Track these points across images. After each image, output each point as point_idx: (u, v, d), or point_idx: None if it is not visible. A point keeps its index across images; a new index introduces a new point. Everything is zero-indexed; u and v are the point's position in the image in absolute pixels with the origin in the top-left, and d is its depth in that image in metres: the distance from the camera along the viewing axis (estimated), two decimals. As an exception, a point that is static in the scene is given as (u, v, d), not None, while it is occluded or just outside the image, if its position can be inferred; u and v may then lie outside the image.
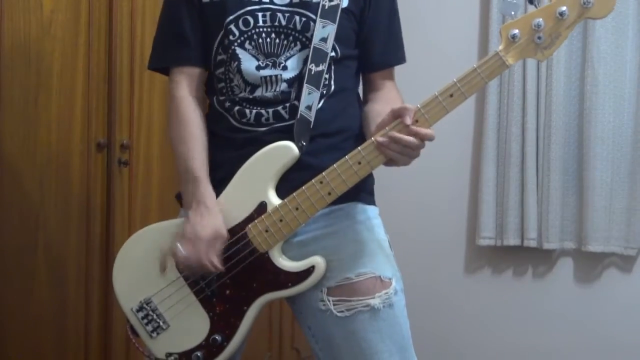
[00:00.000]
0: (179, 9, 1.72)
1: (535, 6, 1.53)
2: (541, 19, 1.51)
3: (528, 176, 3.13)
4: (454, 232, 3.40)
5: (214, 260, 1.60)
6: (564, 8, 1.50)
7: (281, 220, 1.60)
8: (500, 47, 1.53)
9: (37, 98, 2.30)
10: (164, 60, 1.76)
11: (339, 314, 1.62)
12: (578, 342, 3.16)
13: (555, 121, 3.09)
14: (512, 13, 1.53)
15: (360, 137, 1.71)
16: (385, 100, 1.72)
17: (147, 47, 2.56)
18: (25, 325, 2.28)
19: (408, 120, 1.51)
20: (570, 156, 3.13)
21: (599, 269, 3.15)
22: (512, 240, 3.18)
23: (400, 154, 1.53)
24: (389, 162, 1.57)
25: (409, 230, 3.36)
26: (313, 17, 1.64)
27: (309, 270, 1.61)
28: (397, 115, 1.53)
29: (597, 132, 3.02)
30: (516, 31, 1.52)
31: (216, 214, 1.62)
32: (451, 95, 1.52)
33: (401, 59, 1.80)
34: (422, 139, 1.52)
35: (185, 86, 1.72)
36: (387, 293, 1.63)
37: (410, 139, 1.51)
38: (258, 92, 1.65)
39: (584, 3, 1.49)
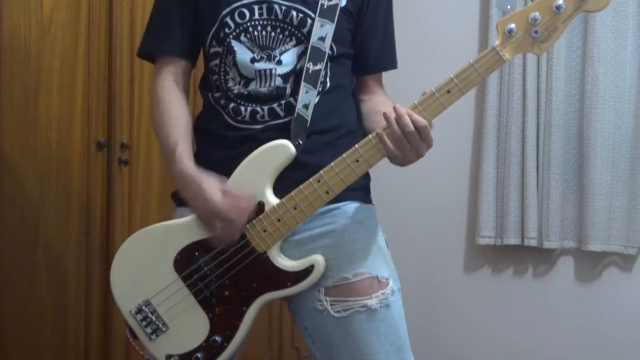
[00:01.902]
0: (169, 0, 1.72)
1: (532, 0, 1.52)
2: (538, 13, 1.50)
3: (528, 175, 3.13)
4: (454, 231, 3.40)
5: (243, 205, 1.56)
6: (560, 2, 1.50)
7: (279, 220, 1.59)
8: (497, 42, 1.52)
9: (37, 97, 2.30)
10: (150, 49, 1.76)
11: (335, 314, 1.61)
12: (578, 341, 3.16)
13: (556, 120, 3.09)
14: (509, 7, 1.52)
15: (356, 133, 1.71)
16: (382, 103, 1.73)
17: (147, 46, 2.57)
18: (25, 324, 2.28)
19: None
20: (570, 155, 3.13)
21: (599, 268, 3.15)
22: (512, 239, 3.18)
23: (398, 145, 1.52)
24: (391, 158, 1.56)
25: (409, 229, 3.36)
26: (310, 13, 1.64)
27: (308, 270, 1.60)
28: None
29: (597, 131, 3.02)
30: (512, 25, 1.51)
31: (205, 178, 1.58)
32: (448, 92, 1.52)
33: (394, 64, 1.80)
34: (415, 124, 1.50)
35: (167, 75, 1.72)
36: (384, 293, 1.62)
37: (407, 119, 1.49)
38: (252, 86, 1.64)
39: None
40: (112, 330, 2.49)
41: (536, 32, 1.52)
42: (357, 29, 1.71)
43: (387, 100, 1.76)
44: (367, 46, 1.73)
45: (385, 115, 1.52)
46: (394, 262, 1.71)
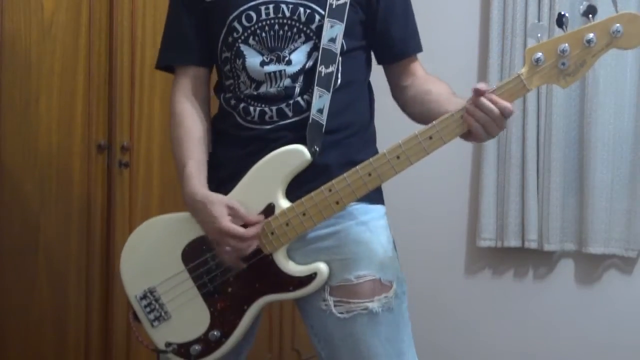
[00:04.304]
0: (181, 9, 1.73)
1: (564, 30, 1.48)
2: (567, 45, 1.47)
3: (528, 177, 3.13)
4: (455, 234, 3.40)
5: (252, 229, 1.58)
6: (591, 35, 1.46)
7: (287, 224, 1.60)
8: (522, 70, 1.50)
9: (37, 99, 2.30)
10: (167, 60, 1.78)
11: (339, 315, 1.62)
12: (578, 343, 3.16)
13: (556, 122, 3.09)
14: (539, 35, 1.48)
15: (367, 130, 1.71)
16: (428, 81, 1.71)
17: (147, 48, 2.56)
18: (25, 326, 2.28)
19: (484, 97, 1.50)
20: (571, 158, 3.13)
21: (600, 271, 3.15)
22: (512, 241, 3.18)
23: (481, 124, 1.52)
24: (467, 135, 1.55)
25: (410, 231, 3.35)
26: (318, 9, 1.63)
27: (311, 277, 1.61)
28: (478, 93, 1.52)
29: (597, 134, 3.02)
30: (540, 55, 1.48)
31: (213, 199, 1.60)
32: (462, 117, 1.52)
33: (419, 47, 1.78)
34: (501, 110, 1.50)
35: (186, 86, 1.73)
36: (386, 297, 1.62)
37: (491, 106, 1.50)
38: (262, 89, 1.65)
39: (614, 32, 1.45)
40: (113, 333, 2.48)
41: (563, 64, 1.48)
42: (372, 18, 1.69)
43: (429, 77, 1.74)
44: (389, 33, 1.71)
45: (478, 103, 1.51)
46: (396, 264, 1.71)
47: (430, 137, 1.53)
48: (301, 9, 1.63)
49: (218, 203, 1.60)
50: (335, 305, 1.62)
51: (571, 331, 3.18)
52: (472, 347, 3.36)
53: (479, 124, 1.51)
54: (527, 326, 3.26)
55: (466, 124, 1.52)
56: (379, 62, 1.77)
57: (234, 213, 1.59)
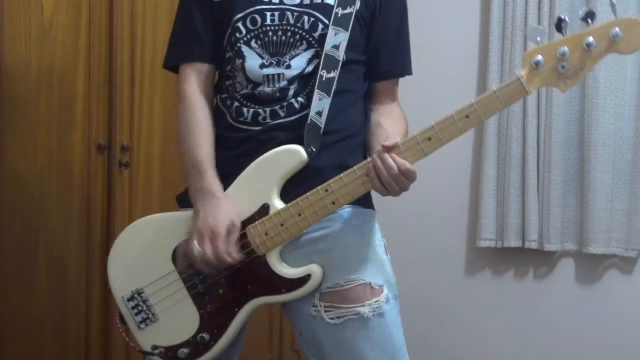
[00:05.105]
0: (190, 8, 1.73)
1: (563, 34, 1.48)
2: (567, 48, 1.47)
3: (529, 177, 3.12)
4: (455, 234, 3.39)
5: (233, 253, 1.58)
6: (591, 39, 1.45)
7: (282, 225, 1.59)
8: (522, 73, 1.50)
9: (37, 100, 2.30)
10: (174, 59, 1.77)
11: (329, 321, 1.61)
12: (579, 343, 3.16)
13: (556, 122, 3.09)
14: (539, 39, 1.49)
15: (358, 136, 1.71)
16: (388, 115, 1.72)
17: (147, 48, 2.56)
18: (25, 326, 2.28)
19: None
20: (571, 157, 3.13)
21: (600, 271, 3.15)
22: (512, 241, 3.17)
23: (385, 186, 1.54)
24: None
25: (410, 232, 3.36)
26: (322, 18, 1.64)
27: (304, 279, 1.60)
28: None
29: (597, 134, 3.02)
30: (540, 57, 1.48)
31: (226, 203, 1.60)
32: (467, 117, 1.51)
33: (407, 70, 1.78)
34: (400, 169, 1.52)
35: (193, 82, 1.72)
36: (377, 301, 1.61)
37: (391, 163, 1.52)
38: (259, 89, 1.65)
39: (613, 36, 1.45)
40: (113, 333, 2.48)
41: (563, 67, 1.48)
42: (370, 34, 1.70)
43: (394, 111, 1.75)
44: (378, 52, 1.72)
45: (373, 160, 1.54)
46: (395, 264, 1.71)
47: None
48: (305, 17, 1.64)
49: (229, 209, 1.59)
50: (325, 311, 1.61)
51: (571, 331, 3.17)
52: (472, 347, 3.36)
53: (378, 179, 1.53)
54: (527, 326, 3.25)
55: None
56: (364, 79, 1.75)
57: (230, 229, 1.59)
